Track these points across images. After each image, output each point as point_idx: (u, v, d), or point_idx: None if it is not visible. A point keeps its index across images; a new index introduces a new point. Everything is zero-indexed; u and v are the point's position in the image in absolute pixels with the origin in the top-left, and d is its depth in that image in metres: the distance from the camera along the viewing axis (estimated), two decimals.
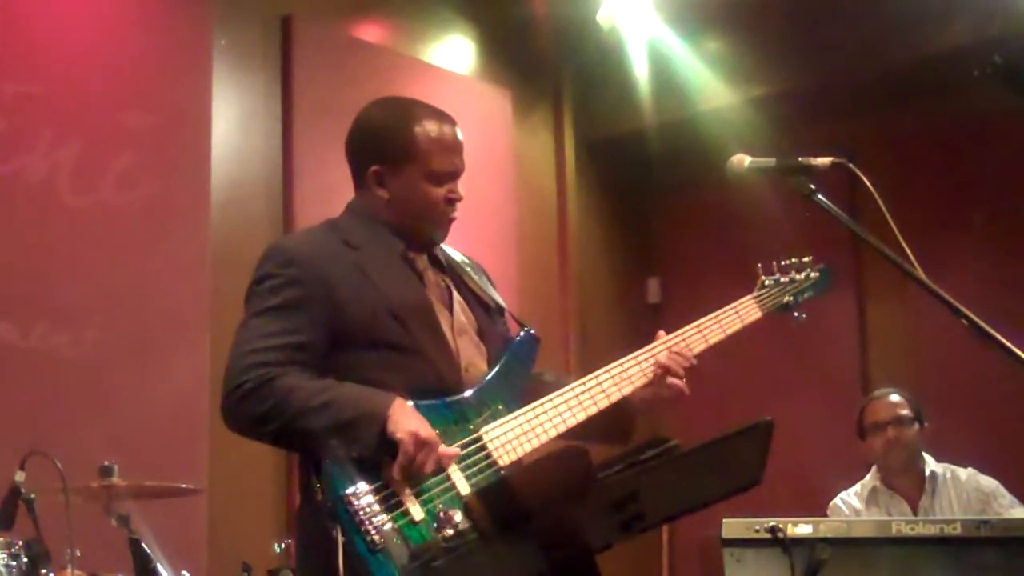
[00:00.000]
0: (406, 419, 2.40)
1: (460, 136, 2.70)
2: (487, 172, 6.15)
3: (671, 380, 2.67)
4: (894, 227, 2.58)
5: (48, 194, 4.61)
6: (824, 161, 2.70)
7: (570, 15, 6.50)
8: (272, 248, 2.67)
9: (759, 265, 2.97)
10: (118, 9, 5.00)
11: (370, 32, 6.03)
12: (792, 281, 2.96)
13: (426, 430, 2.41)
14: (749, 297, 2.90)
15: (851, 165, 2.67)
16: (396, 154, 2.64)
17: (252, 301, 2.56)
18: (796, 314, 2.96)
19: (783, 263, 2.98)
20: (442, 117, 2.71)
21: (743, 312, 2.86)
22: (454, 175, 2.68)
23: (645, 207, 7.35)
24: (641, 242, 7.33)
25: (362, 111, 2.76)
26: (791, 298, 2.95)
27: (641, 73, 6.51)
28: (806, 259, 3.00)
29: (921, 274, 2.56)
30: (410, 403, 2.46)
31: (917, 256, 2.57)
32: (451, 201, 2.67)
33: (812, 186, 2.68)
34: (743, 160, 2.80)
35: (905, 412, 4.46)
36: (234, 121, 5.32)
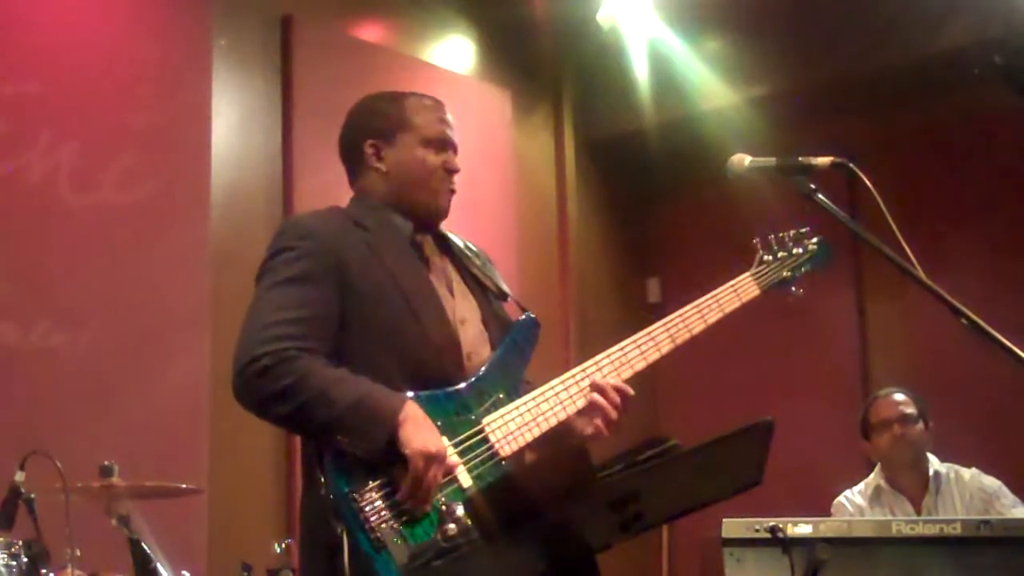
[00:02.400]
0: (416, 432, 2.38)
1: (450, 117, 2.75)
2: (487, 172, 6.15)
3: (596, 422, 2.60)
4: (894, 227, 2.58)
5: (48, 194, 4.61)
6: (824, 161, 2.70)
7: (570, 15, 6.50)
8: (287, 223, 2.74)
9: (756, 240, 2.93)
10: (118, 9, 5.00)
11: (370, 32, 6.03)
12: (790, 255, 2.92)
13: (435, 443, 2.39)
14: (747, 275, 2.86)
15: (851, 165, 2.67)
16: (390, 125, 2.69)
17: (267, 275, 2.54)
18: (794, 288, 2.91)
19: (780, 236, 2.94)
20: (432, 98, 2.78)
21: (741, 290, 2.83)
22: (448, 143, 2.71)
23: (645, 207, 7.35)
24: (641, 242, 7.33)
25: (353, 106, 2.82)
26: (789, 273, 2.91)
27: (641, 73, 6.51)
28: (804, 230, 2.96)
29: (921, 274, 2.56)
30: (410, 394, 2.45)
31: (917, 256, 2.57)
32: (449, 171, 2.69)
33: (812, 186, 2.68)
34: (743, 160, 2.80)
35: (910, 410, 4.46)
36: (234, 121, 5.32)
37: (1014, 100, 5.57)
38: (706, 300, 2.78)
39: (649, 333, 2.70)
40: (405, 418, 2.39)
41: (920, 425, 4.45)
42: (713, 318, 2.77)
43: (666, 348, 2.70)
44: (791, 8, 6.21)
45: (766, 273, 2.88)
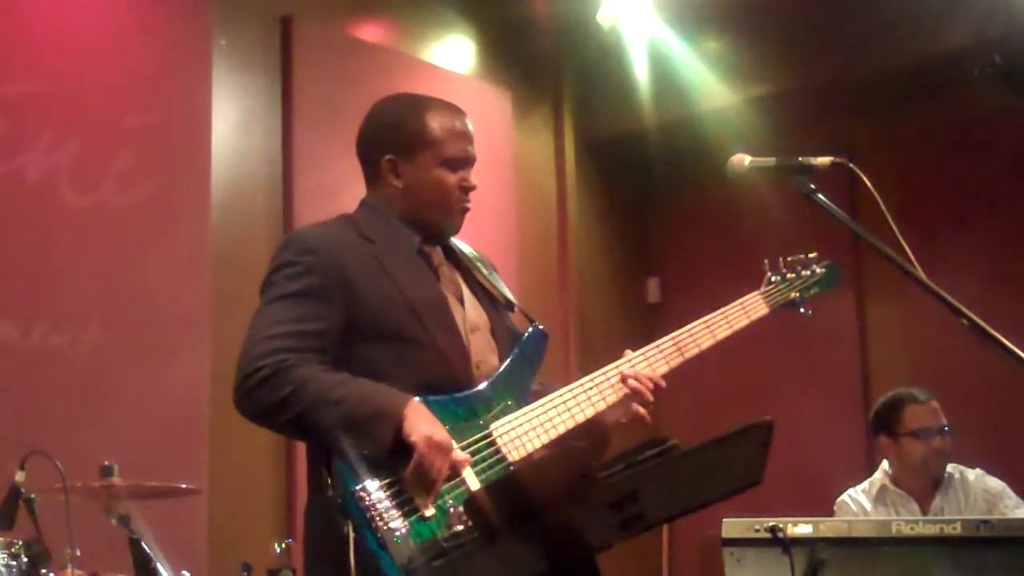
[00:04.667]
0: (421, 422, 2.40)
1: (470, 127, 2.74)
2: (487, 172, 6.09)
3: (636, 407, 2.65)
4: (894, 227, 2.58)
5: (48, 194, 4.61)
6: (824, 161, 2.71)
7: (570, 15, 6.50)
8: (290, 237, 2.72)
9: (765, 261, 2.98)
10: (118, 9, 5.00)
11: (370, 32, 6.03)
12: (799, 277, 2.97)
13: (440, 434, 2.41)
14: (756, 293, 2.91)
15: (851, 165, 2.68)
16: (410, 142, 2.67)
17: (270, 288, 2.56)
18: (802, 310, 2.97)
19: (789, 259, 2.99)
20: (453, 108, 2.76)
21: (750, 308, 2.87)
22: (467, 162, 2.72)
23: (645, 207, 7.35)
24: (641, 242, 7.33)
25: (374, 106, 2.80)
26: (798, 294, 2.96)
27: (641, 73, 6.51)
28: (812, 255, 3.01)
29: (921, 274, 2.56)
30: (417, 399, 2.46)
31: (917, 256, 2.57)
32: (465, 189, 2.70)
33: (812, 186, 2.68)
34: (743, 160, 2.81)
35: (946, 422, 4.41)
36: (234, 121, 5.31)
37: (1014, 100, 5.57)
38: (715, 316, 2.81)
39: (658, 346, 2.72)
40: (410, 412, 2.40)
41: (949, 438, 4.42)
42: (722, 334, 2.80)
43: (675, 361, 2.73)
44: (791, 8, 6.21)
45: (775, 293, 2.93)
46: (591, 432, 2.64)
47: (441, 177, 2.67)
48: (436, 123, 2.69)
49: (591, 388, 2.63)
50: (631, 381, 2.63)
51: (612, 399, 2.64)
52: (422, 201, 2.67)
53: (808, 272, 2.99)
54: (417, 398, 2.46)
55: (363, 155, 2.75)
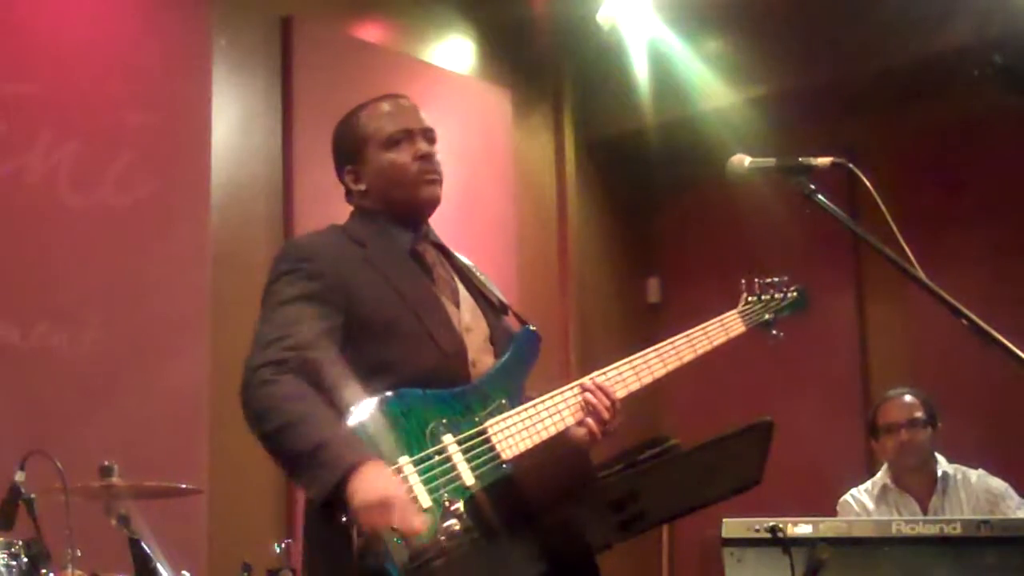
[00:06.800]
0: (362, 483, 2.29)
1: (411, 103, 2.78)
2: (487, 172, 6.15)
3: (588, 422, 2.62)
4: (894, 227, 2.58)
5: (48, 194, 4.61)
6: (824, 161, 2.71)
7: (570, 15, 6.50)
8: (286, 246, 2.77)
9: (742, 282, 3.05)
10: (118, 9, 5.00)
11: (370, 32, 6.03)
12: (772, 299, 3.05)
13: (382, 489, 2.28)
14: (734, 312, 2.99)
15: (851, 165, 2.68)
16: (353, 146, 2.75)
17: (270, 297, 2.59)
18: (774, 332, 3.06)
19: (763, 282, 3.07)
20: (388, 95, 2.81)
21: (728, 325, 2.95)
22: (410, 133, 2.73)
23: (645, 207, 7.35)
24: (641, 242, 7.33)
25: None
26: (771, 316, 3.05)
27: (641, 73, 6.51)
28: (783, 278, 3.08)
29: (921, 274, 2.56)
30: (417, 391, 2.47)
31: (917, 256, 2.57)
32: (422, 158, 2.70)
33: (812, 186, 2.68)
34: (743, 160, 2.81)
35: (919, 414, 4.43)
36: (234, 121, 5.32)
37: (1014, 100, 5.57)
38: (695, 332, 2.87)
39: (643, 356, 2.76)
40: (356, 478, 2.30)
41: (928, 430, 4.44)
42: (702, 349, 2.86)
43: (659, 372, 2.78)
44: (791, 8, 6.21)
45: (751, 312, 3.02)
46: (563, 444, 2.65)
47: (391, 159, 2.71)
48: (365, 117, 2.76)
49: (581, 391, 2.65)
50: (586, 395, 2.62)
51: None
52: (385, 188, 2.71)
53: (780, 295, 3.07)
54: (417, 391, 2.46)
55: (337, 176, 2.83)
